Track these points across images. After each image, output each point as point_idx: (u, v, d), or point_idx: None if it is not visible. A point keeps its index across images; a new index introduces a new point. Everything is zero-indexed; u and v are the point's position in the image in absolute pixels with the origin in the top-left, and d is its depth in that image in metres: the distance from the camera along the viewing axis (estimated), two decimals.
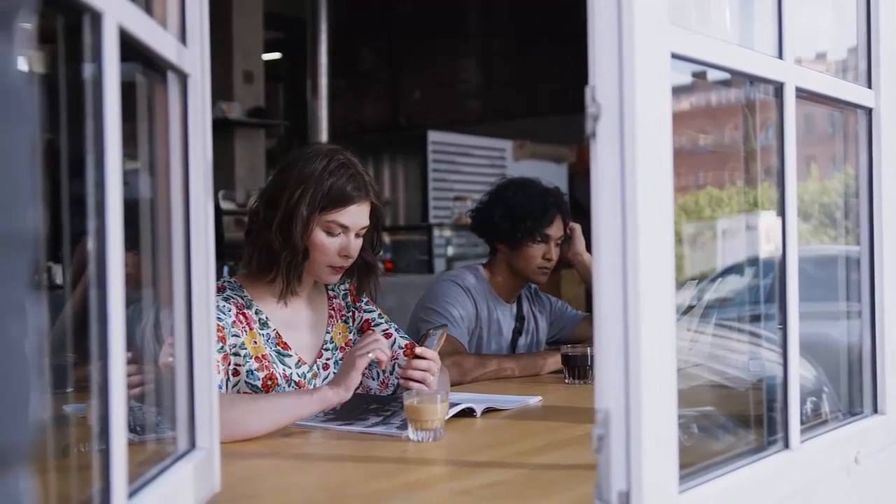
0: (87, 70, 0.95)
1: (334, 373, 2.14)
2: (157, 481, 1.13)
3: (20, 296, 0.52)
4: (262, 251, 2.06)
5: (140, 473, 1.12)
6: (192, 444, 1.29)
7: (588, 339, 2.82)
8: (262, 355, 2.04)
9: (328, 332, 2.20)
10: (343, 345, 2.21)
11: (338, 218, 2.04)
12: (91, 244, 0.95)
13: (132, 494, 1.02)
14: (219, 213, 4.52)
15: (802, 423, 1.44)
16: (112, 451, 0.95)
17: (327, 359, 2.18)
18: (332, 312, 2.23)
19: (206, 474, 1.30)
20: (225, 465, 1.36)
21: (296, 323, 2.14)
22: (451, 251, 7.23)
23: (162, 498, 1.12)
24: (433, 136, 7.66)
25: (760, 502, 1.34)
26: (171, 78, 1.26)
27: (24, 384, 0.52)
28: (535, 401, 2.22)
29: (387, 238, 7.35)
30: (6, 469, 0.52)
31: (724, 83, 1.64)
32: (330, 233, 2.05)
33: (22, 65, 0.56)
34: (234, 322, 2.01)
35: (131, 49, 1.04)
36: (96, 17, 0.93)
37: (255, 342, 2.05)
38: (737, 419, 1.59)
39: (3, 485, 0.52)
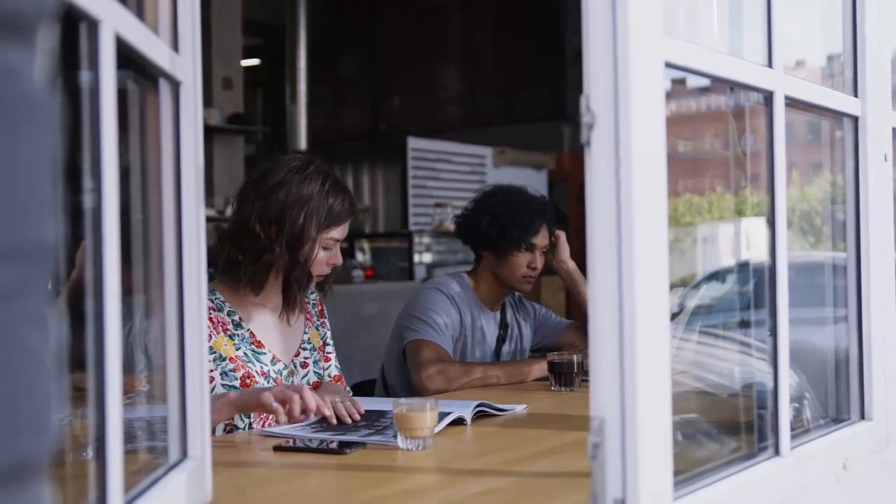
0: (83, 77, 0.94)
1: (314, 371, 2.26)
2: (150, 492, 1.12)
3: (42, 307, 0.52)
4: (263, 269, 2.12)
5: (132, 483, 1.11)
6: (184, 454, 1.28)
7: (572, 346, 2.82)
8: (237, 355, 2.10)
9: (306, 333, 2.28)
10: (317, 347, 2.31)
11: (335, 234, 2.17)
12: (86, 252, 0.94)
13: None
14: None
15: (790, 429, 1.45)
16: (108, 461, 0.94)
17: (305, 357, 2.25)
18: (308, 315, 2.32)
19: (199, 484, 1.29)
20: (217, 474, 1.35)
21: (271, 324, 2.21)
22: (431, 258, 7.22)
23: None
24: (413, 142, 7.64)
25: None
26: (163, 85, 1.25)
27: (47, 396, 0.52)
28: (520, 409, 2.22)
29: (367, 245, 7.33)
30: (32, 480, 0.51)
31: (704, 90, 1.65)
32: (326, 248, 2.17)
33: (43, 75, 0.55)
34: None
35: (125, 56, 1.03)
36: (93, 25, 0.93)
37: (227, 343, 2.10)
38: (726, 426, 1.60)
39: (30, 495, 0.51)
